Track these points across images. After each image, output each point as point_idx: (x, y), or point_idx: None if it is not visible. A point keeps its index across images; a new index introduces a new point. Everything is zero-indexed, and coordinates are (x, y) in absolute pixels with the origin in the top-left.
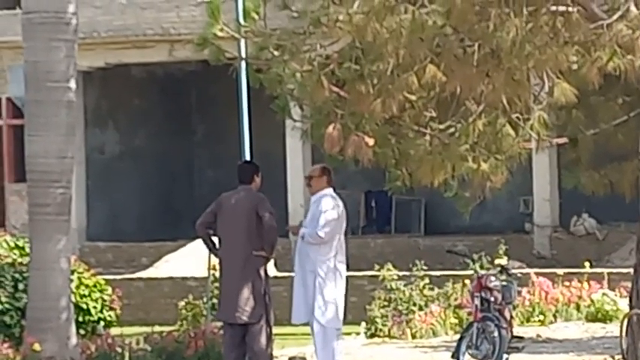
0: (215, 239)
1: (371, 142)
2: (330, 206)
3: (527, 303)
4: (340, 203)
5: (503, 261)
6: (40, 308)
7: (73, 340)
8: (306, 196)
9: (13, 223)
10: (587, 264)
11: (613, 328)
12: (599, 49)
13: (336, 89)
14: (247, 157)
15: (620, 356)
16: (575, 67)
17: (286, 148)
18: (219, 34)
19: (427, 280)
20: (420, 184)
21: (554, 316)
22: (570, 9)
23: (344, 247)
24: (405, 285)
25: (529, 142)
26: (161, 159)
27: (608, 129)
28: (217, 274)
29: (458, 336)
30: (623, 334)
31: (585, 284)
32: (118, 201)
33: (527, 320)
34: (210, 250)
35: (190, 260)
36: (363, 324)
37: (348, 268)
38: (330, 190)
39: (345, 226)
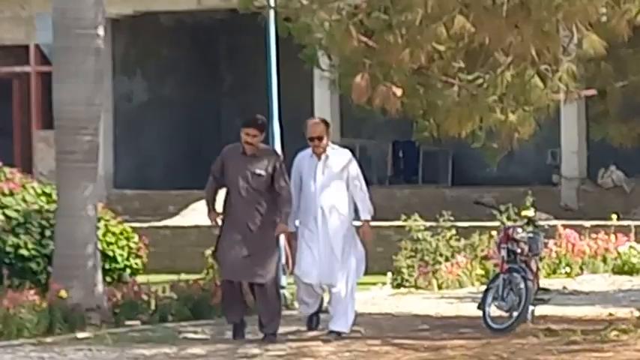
0: None
1: (399, 92)
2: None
3: (553, 255)
4: None
5: (530, 212)
6: (67, 255)
7: (100, 287)
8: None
9: (41, 170)
10: (614, 216)
11: (639, 281)
12: (628, 1)
13: (364, 39)
14: (275, 107)
15: None
16: (604, 19)
17: (314, 97)
18: None
19: (454, 231)
20: (447, 135)
21: (581, 268)
22: None
23: None
24: (431, 236)
25: (557, 94)
26: (189, 108)
27: (637, 81)
28: None
29: (484, 287)
30: None
31: (612, 237)
32: (145, 149)
33: (554, 272)
34: None
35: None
36: (390, 274)
37: (372, 219)
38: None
39: None
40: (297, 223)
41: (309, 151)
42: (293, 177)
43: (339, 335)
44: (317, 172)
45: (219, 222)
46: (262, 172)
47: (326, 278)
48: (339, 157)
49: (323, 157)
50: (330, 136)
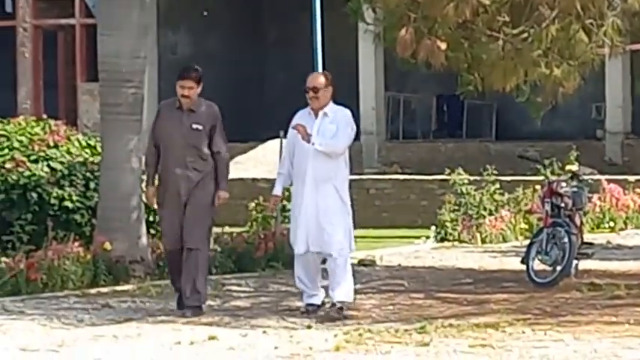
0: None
1: (443, 46)
2: (352, 122)
3: (597, 209)
4: None
5: (574, 167)
6: (111, 207)
7: (143, 239)
8: (378, 99)
9: (85, 122)
10: None
11: None
12: None
13: None
14: (319, 61)
15: None
16: None
17: (358, 51)
18: None
19: (497, 185)
20: (492, 89)
21: (625, 222)
22: None
23: None
24: (475, 190)
25: (602, 48)
26: (232, 61)
27: None
28: None
29: (527, 241)
30: None
31: None
32: None
33: (598, 227)
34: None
35: (261, 162)
36: (433, 228)
37: (416, 173)
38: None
39: None
40: (289, 185)
41: (307, 109)
42: (288, 136)
43: (341, 308)
44: (312, 131)
45: (155, 204)
46: (200, 127)
47: (315, 246)
48: (338, 116)
49: (321, 114)
50: (330, 93)
